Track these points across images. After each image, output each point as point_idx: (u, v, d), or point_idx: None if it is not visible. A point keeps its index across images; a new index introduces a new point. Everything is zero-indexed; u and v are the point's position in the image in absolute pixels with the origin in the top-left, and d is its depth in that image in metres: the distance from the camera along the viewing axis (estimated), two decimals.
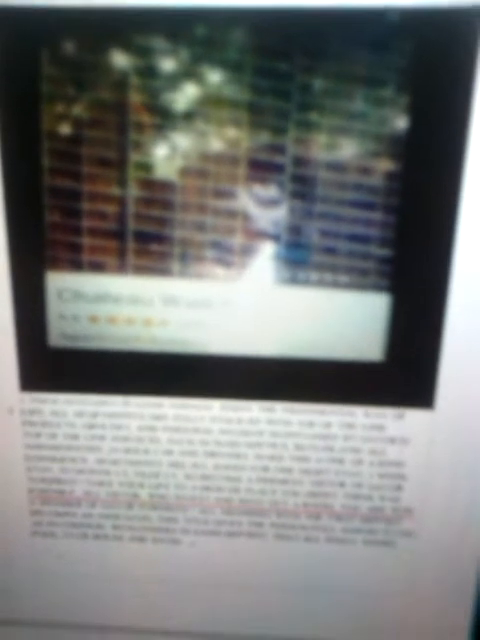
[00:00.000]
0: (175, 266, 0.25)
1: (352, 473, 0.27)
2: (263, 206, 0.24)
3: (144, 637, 0.31)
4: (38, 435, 0.28)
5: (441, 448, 0.26)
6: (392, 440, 0.27)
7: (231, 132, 0.23)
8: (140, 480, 0.28)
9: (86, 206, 0.24)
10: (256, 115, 0.23)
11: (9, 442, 0.28)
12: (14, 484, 0.28)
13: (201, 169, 0.23)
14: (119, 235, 0.24)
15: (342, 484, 0.27)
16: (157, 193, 0.24)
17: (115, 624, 0.30)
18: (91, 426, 0.27)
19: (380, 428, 0.26)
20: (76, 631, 0.31)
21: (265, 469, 0.27)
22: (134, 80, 0.23)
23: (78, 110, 0.23)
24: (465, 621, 0.29)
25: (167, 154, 0.23)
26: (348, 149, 0.23)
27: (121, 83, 0.23)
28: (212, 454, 0.27)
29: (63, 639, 0.31)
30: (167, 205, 0.24)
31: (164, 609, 0.30)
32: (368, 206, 0.24)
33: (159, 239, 0.24)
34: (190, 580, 0.29)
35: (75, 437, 0.27)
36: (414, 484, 0.27)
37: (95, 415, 0.27)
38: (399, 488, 0.27)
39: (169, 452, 0.27)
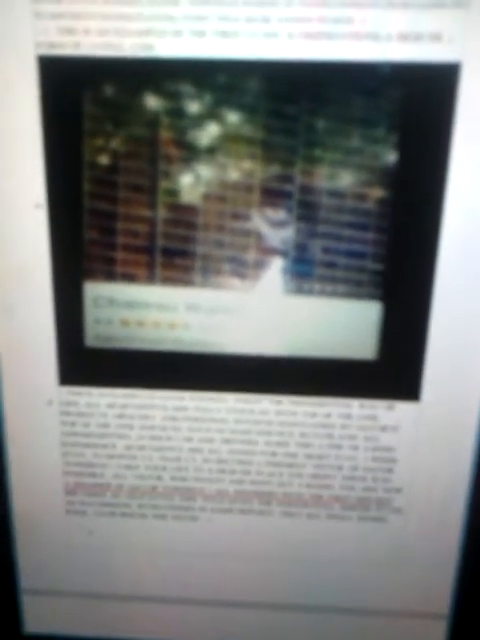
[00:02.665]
0: (197, 277, 0.27)
1: (349, 457, 0.29)
2: (273, 227, 0.26)
3: (165, 605, 0.33)
4: (73, 424, 0.30)
5: (427, 435, 0.29)
6: (384, 428, 0.29)
7: (246, 164, 0.25)
8: (163, 464, 0.30)
9: (120, 225, 0.27)
10: (268, 150, 0.25)
11: (47, 430, 0.30)
12: (51, 468, 0.30)
13: (220, 195, 0.26)
14: (149, 251, 0.27)
15: (340, 467, 0.29)
16: (182, 215, 0.26)
17: (139, 593, 0.33)
18: (121, 416, 0.29)
19: (373, 418, 0.29)
20: (104, 600, 0.33)
21: (273, 454, 0.29)
22: (164, 119, 0.25)
23: (115, 144, 0.26)
24: (448, 587, 0.31)
25: (191, 182, 0.26)
26: (346, 179, 0.25)
27: (152, 121, 0.25)
28: (227, 441, 0.29)
29: (92, 607, 0.33)
30: (191, 225, 0.26)
31: (183, 579, 0.32)
32: (363, 227, 0.26)
33: (183, 254, 0.27)
34: (206, 553, 0.31)
35: (106, 426, 0.30)
36: (403, 467, 0.29)
37: (124, 407, 0.29)
38: (390, 470, 0.29)
39: (189, 439, 0.30)
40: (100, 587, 0.33)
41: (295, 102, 0.25)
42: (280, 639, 0.33)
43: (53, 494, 0.31)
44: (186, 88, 0.25)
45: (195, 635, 0.33)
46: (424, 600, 0.31)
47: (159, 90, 0.25)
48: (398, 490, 0.30)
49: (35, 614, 0.34)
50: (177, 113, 0.25)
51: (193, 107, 0.25)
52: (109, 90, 0.25)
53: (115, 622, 0.33)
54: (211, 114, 0.25)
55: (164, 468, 0.30)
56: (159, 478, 0.30)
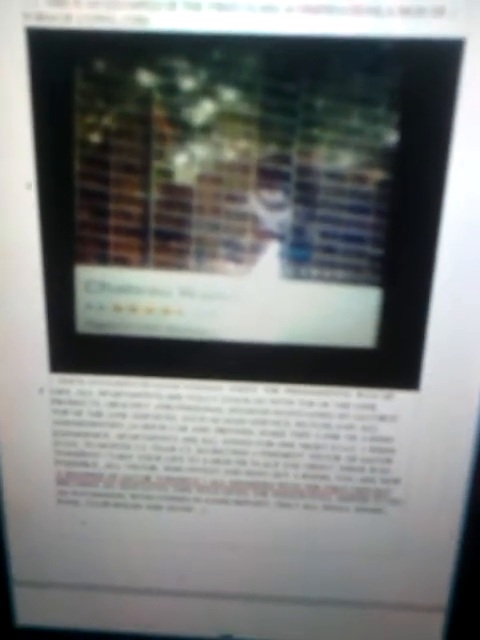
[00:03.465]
0: (191, 262, 0.27)
1: (346, 447, 0.29)
2: (270, 209, 0.26)
3: (159, 597, 0.32)
4: (65, 412, 0.29)
5: (426, 425, 0.28)
6: (382, 418, 0.28)
7: (243, 144, 0.25)
8: (157, 454, 0.30)
9: (113, 207, 0.26)
10: (265, 129, 0.25)
11: (38, 419, 0.29)
12: (42, 457, 0.30)
13: (216, 176, 0.25)
14: (142, 233, 0.26)
15: (337, 457, 0.29)
16: (176, 197, 0.26)
17: (133, 585, 0.32)
18: (113, 404, 0.29)
19: (372, 407, 0.28)
20: (97, 592, 0.32)
21: (269, 444, 0.29)
22: (157, 96, 0.24)
23: (107, 122, 0.25)
24: (447, 579, 0.31)
25: (186, 162, 0.25)
26: (345, 160, 0.25)
27: (146, 98, 0.24)
28: (222, 431, 0.29)
29: (85, 599, 0.33)
30: (185, 207, 0.26)
31: (178, 571, 0.32)
32: (362, 210, 0.25)
33: (177, 237, 0.26)
34: (201, 544, 0.31)
35: (99, 414, 0.29)
36: (402, 457, 0.29)
37: (117, 394, 0.29)
38: (388, 461, 0.29)
39: (183, 428, 0.29)
40: (93, 578, 0.32)
41: (293, 79, 0.24)
42: (276, 631, 0.33)
43: (45, 484, 0.31)
44: (181, 63, 0.24)
45: (190, 627, 0.33)
46: (423, 592, 0.31)
47: (153, 65, 0.24)
48: (396, 481, 0.29)
49: (27, 606, 0.33)
50: (171, 90, 0.24)
51: (188, 84, 0.24)
52: (101, 65, 0.24)
53: (109, 614, 0.33)
54: (206, 91, 0.24)
55: (158, 458, 0.30)
56: (153, 468, 0.30)
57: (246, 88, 0.24)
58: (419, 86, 0.24)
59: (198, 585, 0.32)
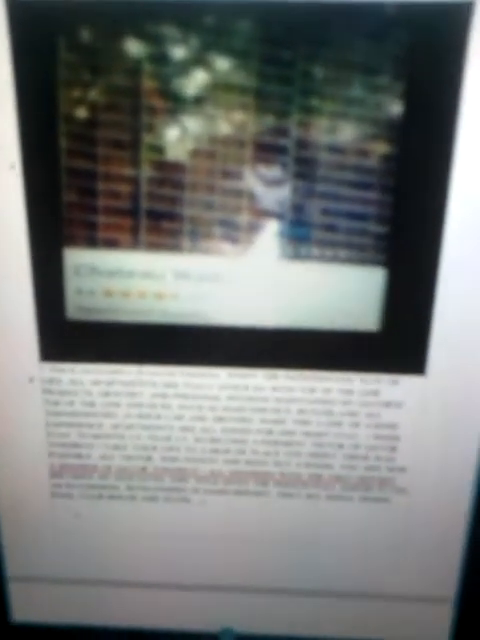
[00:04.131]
0: (185, 242, 0.26)
1: (350, 435, 0.28)
2: (268, 186, 0.25)
3: (157, 590, 0.32)
4: (57, 403, 0.29)
5: (432, 411, 0.28)
6: (387, 404, 0.28)
7: (238, 116, 0.24)
8: (153, 444, 0.29)
9: (101, 186, 0.25)
10: (262, 100, 0.23)
11: (29, 410, 0.29)
12: (34, 449, 0.29)
13: (210, 151, 0.24)
14: (132, 213, 0.25)
15: (341, 446, 0.29)
16: (168, 174, 0.25)
17: (130, 579, 0.32)
18: (107, 394, 0.28)
19: (376, 393, 0.28)
20: (93, 586, 0.32)
21: (269, 432, 0.29)
22: (147, 66, 0.23)
23: (94, 95, 0.24)
24: (454, 570, 0.30)
25: (178, 137, 0.24)
26: (347, 132, 0.24)
27: (134, 69, 0.23)
28: (220, 419, 0.28)
29: (82, 594, 0.32)
30: (178, 185, 0.25)
31: (175, 564, 0.31)
32: (365, 186, 0.24)
33: (170, 217, 0.25)
34: (200, 536, 0.31)
35: (92, 404, 0.28)
36: (407, 445, 0.28)
37: (111, 383, 0.28)
38: (393, 449, 0.28)
39: (180, 417, 0.29)
40: (89, 573, 0.32)
41: (291, 46, 0.23)
42: (279, 624, 0.32)
43: (38, 477, 0.30)
44: (171, 31, 0.23)
45: (189, 621, 0.33)
46: (429, 583, 0.31)
47: (141, 34, 0.23)
48: (402, 469, 0.29)
49: (22, 602, 0.33)
50: (161, 59, 0.23)
51: (179, 52, 0.23)
52: (86, 35, 0.23)
53: (106, 609, 0.33)
54: (199, 60, 0.23)
55: (154, 448, 0.29)
56: (148, 458, 0.29)
57: (241, 56, 0.23)
58: (425, 53, 0.23)
59: (197, 578, 0.32)
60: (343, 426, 0.28)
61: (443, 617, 0.31)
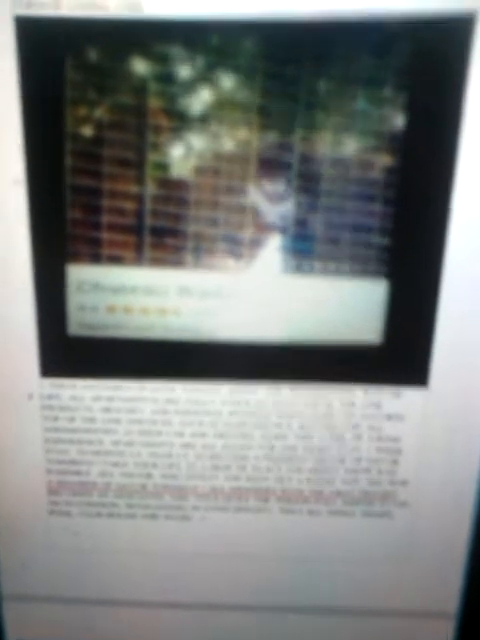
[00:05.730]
0: (188, 258, 0.26)
1: (352, 449, 0.28)
2: (271, 201, 0.25)
3: (156, 610, 0.31)
4: (56, 419, 0.28)
5: (435, 424, 0.28)
6: (389, 417, 0.28)
7: (242, 133, 0.24)
8: (153, 461, 0.29)
9: (106, 203, 0.25)
10: (265, 117, 0.24)
11: (29, 426, 0.28)
12: (33, 465, 0.29)
13: (214, 168, 0.24)
14: (136, 230, 0.25)
15: (342, 460, 0.28)
16: (173, 191, 0.25)
17: (129, 598, 0.31)
18: (107, 410, 0.28)
19: (378, 406, 0.28)
20: (91, 606, 0.31)
21: (271, 448, 0.28)
22: (152, 85, 0.24)
23: (100, 113, 0.24)
24: (456, 585, 0.30)
25: (182, 154, 0.24)
26: (350, 146, 0.24)
27: (140, 88, 0.24)
28: (221, 435, 0.28)
29: (78, 614, 0.32)
30: (182, 202, 0.25)
31: (175, 582, 0.31)
32: (368, 199, 0.25)
33: (174, 233, 0.25)
34: (200, 554, 0.30)
35: (92, 420, 0.28)
36: (409, 458, 0.28)
37: (111, 399, 0.28)
38: (395, 462, 0.28)
39: (181, 434, 0.28)
40: (87, 592, 0.31)
41: (294, 63, 0.23)
42: None
43: (35, 494, 0.30)
44: (176, 51, 0.23)
45: None
46: (431, 599, 0.31)
47: (147, 54, 0.23)
48: (404, 483, 0.29)
49: (18, 621, 0.32)
50: (167, 78, 0.24)
51: (184, 71, 0.24)
52: (93, 54, 0.24)
53: (104, 629, 0.32)
54: (203, 79, 0.24)
55: (154, 465, 0.29)
56: (149, 476, 0.29)
57: (245, 74, 0.23)
58: (427, 65, 0.23)
59: (197, 597, 0.31)
60: (345, 440, 0.28)
61: (445, 633, 0.31)
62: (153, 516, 0.30)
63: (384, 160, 0.24)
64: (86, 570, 0.31)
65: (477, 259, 0.25)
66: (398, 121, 0.24)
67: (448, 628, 0.31)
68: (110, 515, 0.30)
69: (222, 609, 0.31)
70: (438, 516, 0.29)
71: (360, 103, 0.23)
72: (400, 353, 0.27)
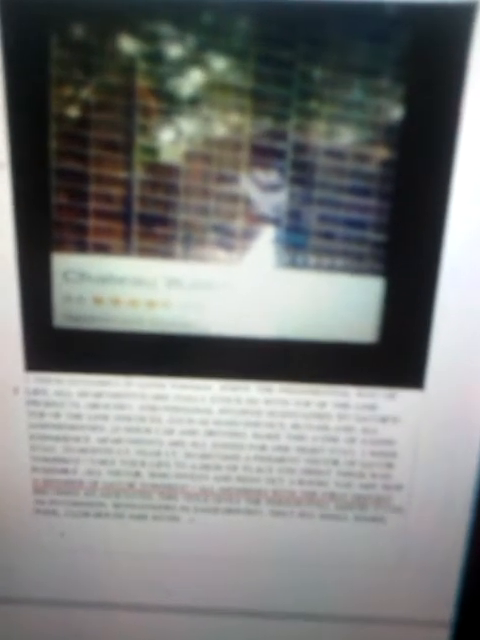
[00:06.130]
0: (178, 248, 0.25)
1: (345, 451, 0.27)
2: (264, 191, 0.24)
3: (143, 613, 0.31)
4: (42, 415, 0.28)
5: (430, 427, 0.27)
6: (384, 419, 0.27)
7: (234, 118, 0.23)
8: (141, 459, 0.28)
9: (92, 189, 0.24)
10: (259, 102, 0.23)
11: (13, 422, 0.28)
12: (17, 463, 0.28)
13: (205, 154, 0.24)
14: (124, 217, 0.25)
15: (336, 462, 0.28)
16: (162, 177, 0.24)
17: (116, 600, 0.31)
18: (94, 406, 0.27)
19: (372, 407, 0.27)
20: (78, 608, 0.31)
21: (262, 448, 0.28)
22: (141, 65, 0.23)
23: (86, 94, 0.23)
24: (451, 592, 0.30)
25: (172, 138, 0.24)
26: (346, 137, 0.23)
27: (128, 68, 0.23)
28: (211, 433, 0.28)
29: (64, 617, 0.31)
30: (171, 189, 0.24)
31: (163, 585, 0.30)
32: (364, 192, 0.24)
33: (163, 222, 0.25)
34: (189, 556, 0.30)
35: (78, 417, 0.28)
36: (404, 461, 0.27)
37: (98, 395, 0.27)
38: (390, 465, 0.28)
39: (170, 431, 0.28)
40: (73, 594, 0.31)
41: (289, 46, 0.22)
42: None
43: (20, 492, 0.29)
44: (166, 29, 0.22)
45: None
46: (426, 606, 0.30)
47: (136, 32, 0.23)
48: (399, 487, 0.28)
49: (2, 625, 0.32)
50: (156, 58, 0.23)
51: (174, 51, 0.23)
52: (79, 32, 0.23)
53: (90, 632, 0.32)
54: (194, 59, 0.23)
55: (142, 463, 0.28)
56: (137, 474, 0.29)
57: (238, 56, 0.22)
58: (426, 55, 0.22)
59: (186, 600, 0.31)
60: (338, 442, 0.27)
61: None
62: (141, 516, 0.29)
63: (381, 153, 0.23)
64: (72, 571, 0.30)
65: (476, 257, 0.25)
66: (395, 112, 0.23)
67: (443, 636, 0.30)
68: (97, 515, 0.29)
69: (211, 613, 0.31)
70: (433, 522, 0.28)
71: (357, 92, 0.23)
72: (396, 353, 0.26)
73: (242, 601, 0.30)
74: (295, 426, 0.27)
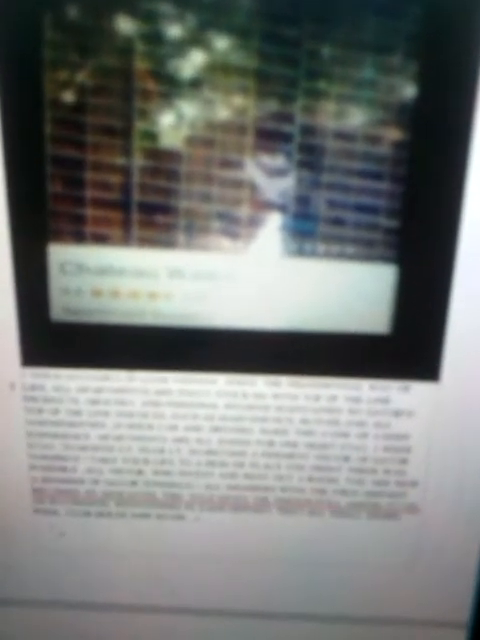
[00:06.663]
0: (180, 238, 0.24)
1: (357, 447, 0.27)
2: (270, 176, 0.23)
3: (147, 614, 0.30)
4: (40, 411, 0.27)
5: (446, 421, 0.26)
6: (397, 413, 0.26)
7: (238, 100, 0.22)
8: (144, 456, 0.28)
9: (90, 176, 0.24)
10: (264, 83, 0.22)
11: (10, 419, 0.27)
12: (15, 461, 0.28)
13: (207, 138, 0.23)
14: (123, 206, 0.24)
15: (347, 458, 0.27)
16: (162, 163, 0.23)
17: (118, 602, 0.30)
18: (94, 402, 0.27)
19: (385, 401, 0.26)
20: (78, 609, 0.30)
21: (270, 444, 0.27)
22: (139, 46, 0.22)
23: (82, 77, 0.22)
24: (468, 592, 0.29)
25: (173, 122, 0.23)
26: (356, 118, 0.22)
27: (126, 49, 0.22)
28: (217, 429, 0.27)
29: (65, 618, 0.31)
30: (172, 175, 0.23)
31: (167, 586, 0.30)
32: (376, 176, 0.23)
33: (164, 210, 0.24)
34: (194, 555, 0.29)
35: (78, 413, 0.27)
36: (419, 457, 0.27)
37: (99, 391, 0.27)
38: (404, 461, 0.27)
39: (174, 428, 0.27)
40: (74, 595, 0.30)
41: (295, 23, 0.21)
42: None
43: (19, 491, 0.29)
44: (165, 7, 0.22)
45: None
46: (441, 607, 0.29)
47: (133, 10, 0.22)
48: (413, 484, 0.28)
49: (2, 626, 0.31)
50: (155, 38, 0.22)
51: (174, 30, 0.22)
52: (74, 11, 0.22)
53: (92, 634, 0.31)
54: (195, 39, 0.22)
55: (145, 461, 0.28)
56: (139, 472, 0.28)
57: (241, 34, 0.22)
58: (441, 30, 0.21)
59: (192, 601, 0.30)
60: (350, 437, 0.27)
61: None
62: (144, 516, 0.29)
63: (393, 134, 0.23)
64: (73, 572, 0.30)
65: None
66: (408, 91, 0.22)
67: (460, 638, 0.30)
68: (99, 514, 0.29)
69: (218, 615, 0.30)
70: (449, 519, 0.28)
71: (367, 70, 0.22)
72: (409, 344, 0.25)
73: (249, 602, 0.30)
74: (304, 421, 0.27)
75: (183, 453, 0.27)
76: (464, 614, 0.29)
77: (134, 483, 0.28)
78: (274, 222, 0.24)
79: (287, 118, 0.23)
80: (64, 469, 0.28)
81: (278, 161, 0.23)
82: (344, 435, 0.27)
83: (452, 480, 0.27)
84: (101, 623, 0.31)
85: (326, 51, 0.22)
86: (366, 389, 0.26)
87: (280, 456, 0.27)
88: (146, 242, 0.24)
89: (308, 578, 0.29)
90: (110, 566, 0.30)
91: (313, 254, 0.24)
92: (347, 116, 0.22)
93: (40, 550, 0.29)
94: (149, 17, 0.22)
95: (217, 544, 0.29)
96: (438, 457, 0.27)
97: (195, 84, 0.22)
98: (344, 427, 0.27)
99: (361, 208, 0.24)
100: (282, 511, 0.28)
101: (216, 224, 0.24)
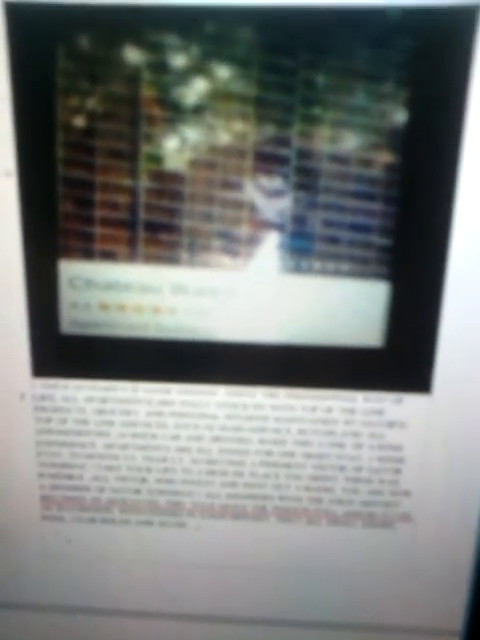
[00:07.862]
0: (183, 255, 0.25)
1: (352, 457, 0.27)
2: (268, 197, 0.24)
3: (150, 620, 0.31)
4: (49, 420, 0.28)
5: (438, 431, 0.27)
6: (391, 424, 0.27)
7: (238, 125, 0.23)
8: (148, 465, 0.28)
9: (98, 196, 0.24)
10: (262, 109, 0.23)
11: (20, 427, 0.28)
12: (24, 469, 0.28)
13: (209, 161, 0.24)
14: (130, 225, 0.25)
15: (342, 468, 0.27)
16: (167, 184, 0.24)
17: (122, 608, 0.30)
18: (100, 411, 0.27)
19: (379, 412, 0.27)
20: (84, 615, 0.31)
21: (268, 453, 0.28)
22: (146, 75, 0.23)
23: (92, 103, 0.23)
24: (461, 600, 0.29)
25: (177, 146, 0.24)
26: (350, 142, 0.23)
27: (133, 78, 0.23)
28: (217, 439, 0.27)
29: (71, 623, 0.31)
30: (176, 196, 0.24)
31: (170, 592, 0.30)
32: (369, 197, 0.24)
33: (168, 229, 0.25)
34: (195, 562, 0.29)
35: (85, 422, 0.28)
36: (412, 467, 0.27)
37: (105, 401, 0.27)
38: (397, 471, 0.27)
39: (176, 437, 0.28)
40: (79, 601, 0.31)
41: (292, 54, 0.22)
42: None
43: (27, 498, 0.29)
44: (171, 39, 0.23)
45: None
46: (435, 615, 0.29)
47: (141, 41, 0.23)
48: (407, 493, 0.28)
49: (8, 630, 0.31)
50: (161, 67, 0.23)
51: (179, 60, 0.23)
52: (85, 42, 0.23)
53: (97, 639, 0.31)
54: (198, 68, 0.23)
55: (148, 469, 0.28)
56: (143, 480, 0.28)
57: (241, 64, 0.23)
58: (430, 59, 0.22)
59: (192, 608, 0.30)
60: (345, 447, 0.27)
61: None
62: (147, 523, 0.29)
63: (385, 157, 0.23)
64: (79, 578, 0.30)
65: None
66: (399, 116, 0.23)
67: None
68: (104, 521, 0.29)
69: (217, 621, 0.30)
70: (442, 528, 0.28)
71: (360, 97, 0.23)
72: (402, 357, 0.26)
73: (248, 609, 0.30)
74: (301, 432, 0.27)
75: (185, 462, 0.28)
76: (458, 621, 0.29)
77: (138, 491, 0.28)
78: (272, 240, 0.25)
79: (284, 142, 0.23)
80: (71, 477, 0.28)
81: (276, 183, 0.24)
82: (340, 445, 0.27)
83: (445, 490, 0.27)
84: (104, 628, 0.31)
85: (321, 79, 0.23)
86: (361, 401, 0.27)
87: (278, 465, 0.28)
88: (151, 259, 0.25)
89: (305, 585, 0.29)
90: (114, 572, 0.30)
91: (309, 271, 0.25)
92: (341, 140, 0.23)
93: (47, 556, 0.30)
94: (155, 48, 0.23)
95: (217, 551, 0.29)
96: (431, 467, 0.27)
97: (198, 110, 0.23)
98: (340, 438, 0.27)
99: (355, 227, 0.24)
100: (280, 519, 0.28)
101: (217, 242, 0.25)
